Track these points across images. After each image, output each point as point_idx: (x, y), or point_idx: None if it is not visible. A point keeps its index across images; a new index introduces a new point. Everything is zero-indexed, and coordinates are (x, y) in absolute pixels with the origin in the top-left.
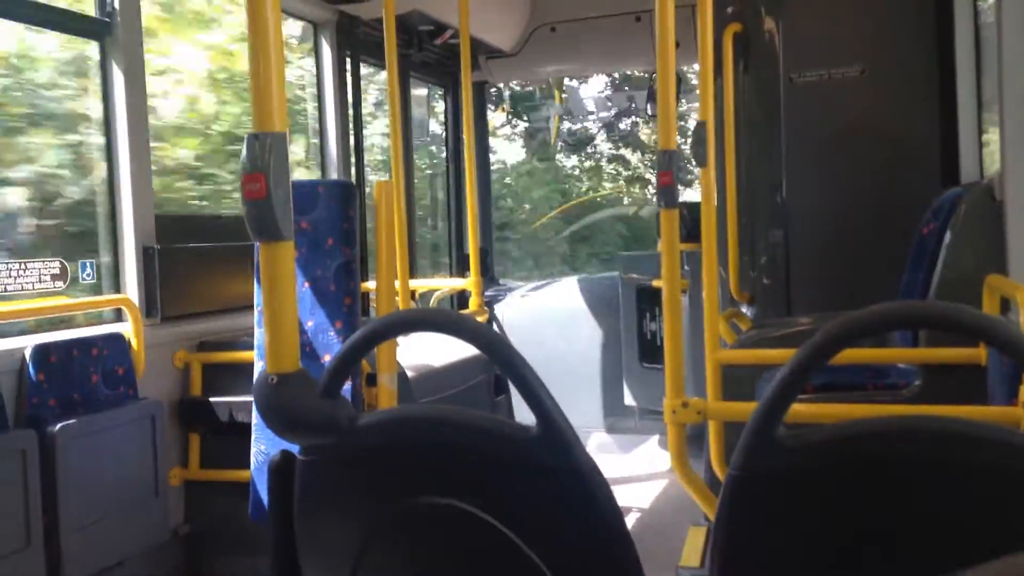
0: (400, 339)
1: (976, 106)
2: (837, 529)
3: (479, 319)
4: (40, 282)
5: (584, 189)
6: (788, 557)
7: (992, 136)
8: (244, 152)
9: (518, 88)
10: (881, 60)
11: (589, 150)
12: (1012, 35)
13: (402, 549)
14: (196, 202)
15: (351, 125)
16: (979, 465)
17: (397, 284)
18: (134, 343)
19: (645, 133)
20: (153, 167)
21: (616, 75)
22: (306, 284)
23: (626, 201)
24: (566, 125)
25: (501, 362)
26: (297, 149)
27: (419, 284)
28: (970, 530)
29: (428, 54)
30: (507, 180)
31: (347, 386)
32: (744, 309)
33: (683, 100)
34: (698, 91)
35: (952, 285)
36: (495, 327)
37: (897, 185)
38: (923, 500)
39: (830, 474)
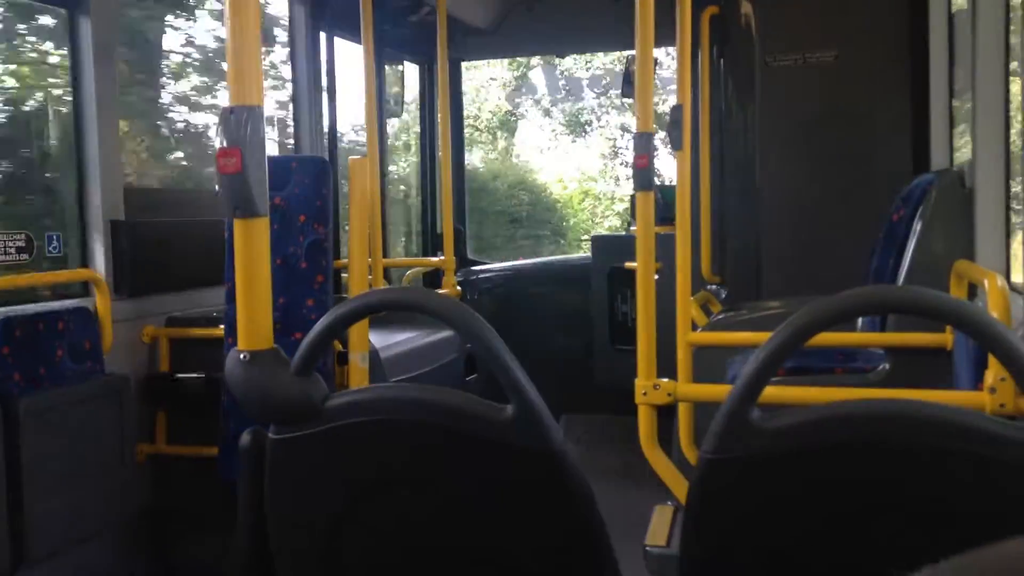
0: (372, 317)
1: (948, 94)
2: (808, 512)
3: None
4: (5, 254)
5: None
6: (759, 538)
7: (962, 124)
8: (219, 126)
9: None
10: (855, 46)
11: None
12: (986, 24)
13: (374, 527)
14: None
15: (325, 101)
16: (948, 449)
17: (370, 262)
18: (101, 317)
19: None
20: None
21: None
22: (278, 261)
23: None
24: None
25: (477, 342)
26: None
27: (392, 261)
28: (938, 512)
29: (404, 31)
30: None
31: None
32: (715, 291)
33: (657, 84)
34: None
35: (921, 270)
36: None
37: (868, 171)
38: (893, 483)
39: (802, 457)
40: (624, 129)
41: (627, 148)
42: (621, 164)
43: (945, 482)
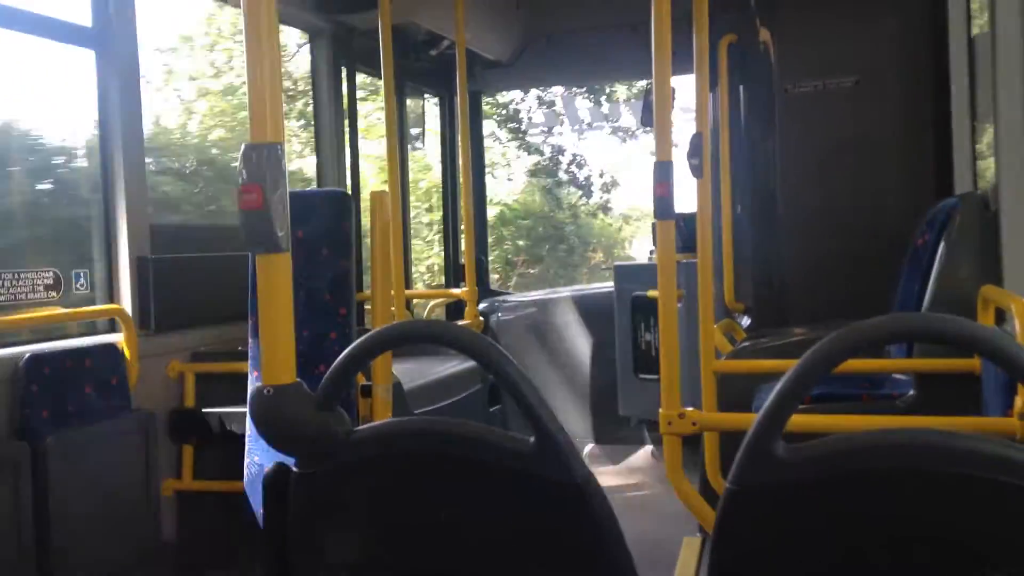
0: (395, 349)
1: (970, 117)
2: (835, 543)
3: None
4: (34, 292)
5: None
6: (786, 570)
7: (986, 147)
8: (240, 162)
9: None
10: (875, 71)
11: None
12: (1006, 46)
13: (398, 562)
14: None
15: (347, 134)
16: (977, 479)
17: (392, 294)
18: (127, 353)
19: None
20: None
21: None
22: (301, 294)
23: None
24: None
25: (498, 374)
26: None
27: (415, 293)
28: (968, 544)
29: (424, 64)
30: None
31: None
32: (739, 319)
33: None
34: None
35: (947, 296)
36: (490, 338)
37: (891, 196)
38: (921, 515)
39: (828, 488)
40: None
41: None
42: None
43: (974, 513)
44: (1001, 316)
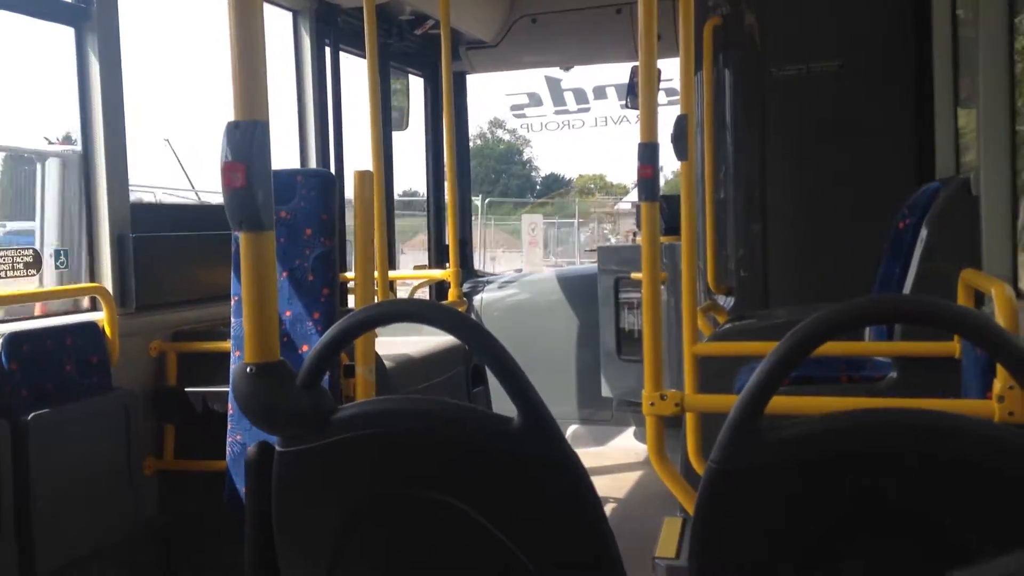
0: (378, 329)
1: (953, 101)
2: (816, 523)
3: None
4: (13, 269)
5: None
6: (767, 550)
7: (968, 131)
8: (224, 140)
9: None
10: (859, 54)
11: None
12: (990, 31)
13: (381, 541)
14: None
15: (330, 114)
16: (957, 459)
17: (376, 274)
18: (108, 332)
19: None
20: None
21: None
22: (284, 274)
23: None
24: None
25: (483, 353)
26: None
27: (398, 274)
28: (948, 524)
29: (408, 44)
30: None
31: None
32: (721, 301)
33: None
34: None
35: (928, 279)
36: (473, 318)
37: (874, 179)
38: (902, 494)
39: (810, 468)
40: None
41: None
42: None
43: (953, 492)
44: (981, 300)
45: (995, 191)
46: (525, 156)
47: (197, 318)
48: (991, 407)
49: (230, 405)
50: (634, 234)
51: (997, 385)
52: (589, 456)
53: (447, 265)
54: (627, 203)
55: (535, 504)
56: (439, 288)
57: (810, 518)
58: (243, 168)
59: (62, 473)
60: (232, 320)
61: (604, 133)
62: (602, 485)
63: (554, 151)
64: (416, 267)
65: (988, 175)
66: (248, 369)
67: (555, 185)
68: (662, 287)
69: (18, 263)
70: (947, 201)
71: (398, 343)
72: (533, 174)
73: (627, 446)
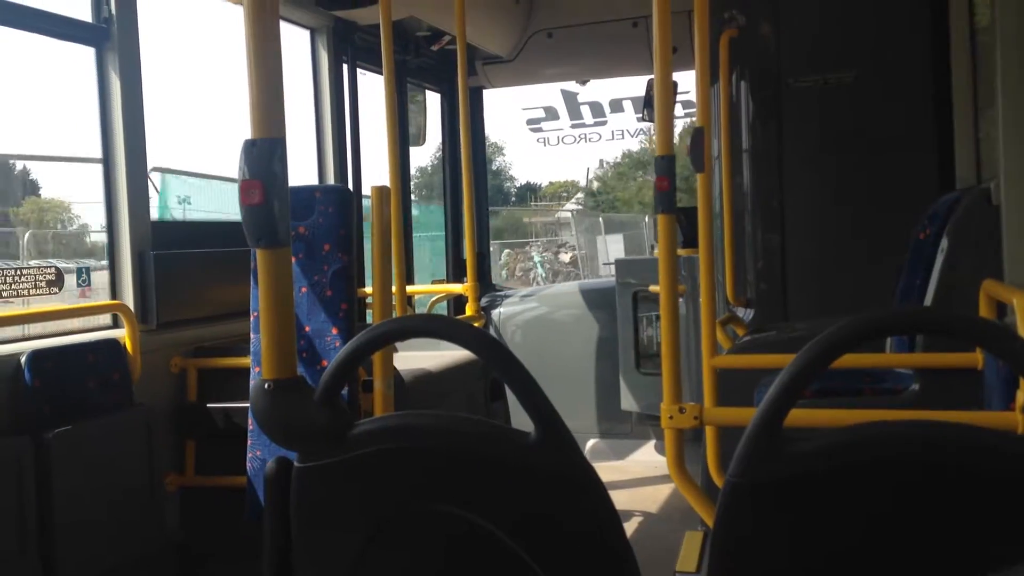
0: (396, 344)
1: (972, 110)
2: (837, 536)
3: (475, 324)
4: (35, 288)
5: None
6: (787, 562)
7: (987, 140)
8: (241, 158)
9: None
10: (876, 64)
11: None
12: (1009, 39)
13: (399, 557)
14: None
15: (348, 130)
16: (980, 471)
17: (393, 289)
18: (129, 349)
19: None
20: None
21: None
22: (303, 289)
23: None
24: None
25: (500, 367)
26: None
27: (415, 289)
28: (970, 536)
29: (425, 60)
30: None
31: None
32: (741, 314)
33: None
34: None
35: (949, 290)
36: (491, 332)
37: (893, 189)
38: (923, 507)
39: (830, 481)
40: None
41: None
42: None
43: (977, 505)
44: (1003, 310)
45: (1016, 200)
46: (495, 166)
47: (217, 334)
48: (1014, 419)
49: (250, 421)
50: (652, 246)
51: (1020, 396)
52: (609, 470)
53: (465, 279)
54: (567, 210)
55: (553, 519)
56: (457, 302)
57: (831, 532)
58: (260, 186)
59: (84, 489)
60: (252, 336)
61: (621, 146)
62: (622, 499)
63: (545, 160)
64: (434, 281)
65: (1009, 184)
66: (266, 385)
67: (528, 196)
68: (681, 300)
69: (40, 281)
70: (967, 211)
71: (416, 357)
72: (507, 184)
73: (647, 459)
